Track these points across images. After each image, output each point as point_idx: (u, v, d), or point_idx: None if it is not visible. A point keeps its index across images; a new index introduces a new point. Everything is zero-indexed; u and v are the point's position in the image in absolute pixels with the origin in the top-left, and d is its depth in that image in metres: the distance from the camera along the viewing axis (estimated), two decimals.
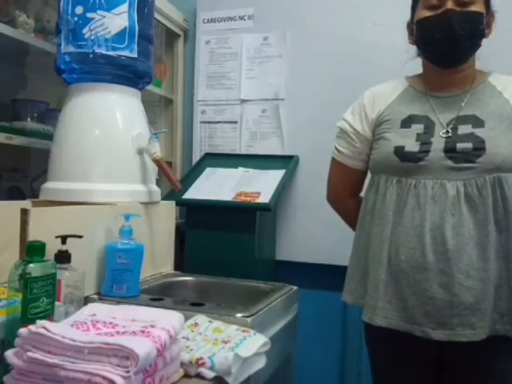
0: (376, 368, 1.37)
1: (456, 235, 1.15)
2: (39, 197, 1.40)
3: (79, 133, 1.38)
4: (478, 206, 1.16)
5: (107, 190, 1.35)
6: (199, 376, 0.90)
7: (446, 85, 1.27)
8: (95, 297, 1.22)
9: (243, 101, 2.23)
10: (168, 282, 1.47)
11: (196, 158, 2.29)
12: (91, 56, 1.35)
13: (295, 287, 1.43)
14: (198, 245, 1.90)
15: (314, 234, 2.07)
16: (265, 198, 1.86)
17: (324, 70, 2.09)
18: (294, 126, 2.14)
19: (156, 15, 1.80)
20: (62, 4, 1.39)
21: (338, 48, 2.06)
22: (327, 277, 1.98)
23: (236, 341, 0.97)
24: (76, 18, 1.35)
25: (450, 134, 1.21)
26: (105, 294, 1.23)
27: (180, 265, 1.70)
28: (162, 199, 1.57)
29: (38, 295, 0.86)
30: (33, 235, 1.03)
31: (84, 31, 1.35)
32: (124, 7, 1.37)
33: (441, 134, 1.22)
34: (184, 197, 1.93)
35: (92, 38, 1.34)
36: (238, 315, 1.10)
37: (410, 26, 1.32)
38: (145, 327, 0.82)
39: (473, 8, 1.20)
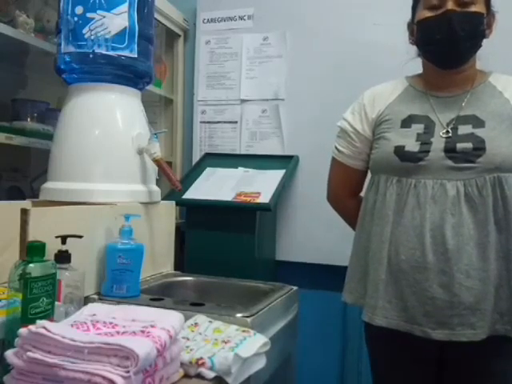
0: (376, 368, 1.37)
1: (456, 235, 1.15)
2: (39, 197, 1.40)
3: (79, 133, 1.38)
4: (478, 205, 1.16)
5: (107, 189, 1.35)
6: (199, 376, 0.90)
7: (447, 85, 1.27)
8: (95, 297, 1.22)
9: (243, 101, 2.23)
10: (168, 281, 1.47)
11: (196, 158, 2.29)
12: (91, 56, 1.35)
13: (295, 287, 1.43)
14: (198, 245, 1.90)
15: (314, 234, 2.07)
16: (265, 198, 1.86)
17: (324, 70, 2.09)
18: (293, 125, 2.14)
19: (156, 15, 1.80)
20: (61, 4, 1.39)
21: (338, 48, 2.06)
22: (327, 277, 1.98)
23: (236, 341, 0.97)
24: (76, 18, 1.35)
25: (450, 134, 1.21)
26: (105, 294, 1.23)
27: (180, 265, 1.70)
28: (162, 199, 1.57)
29: (38, 295, 0.86)
30: (33, 235, 1.03)
31: (84, 31, 1.35)
32: (124, 7, 1.37)
33: (441, 133, 1.22)
34: (184, 197, 1.93)
35: (92, 38, 1.34)
36: (238, 315, 1.10)
37: (410, 26, 1.32)
38: (145, 327, 0.82)
39: (473, 8, 1.20)
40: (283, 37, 2.16)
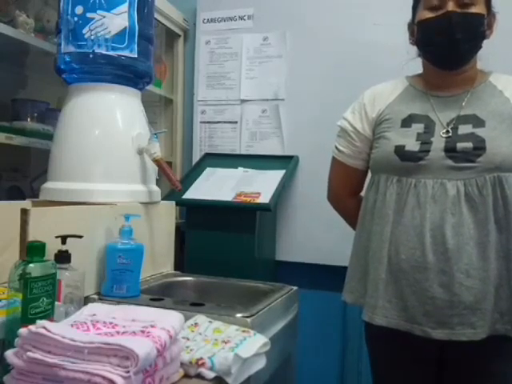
0: (376, 368, 1.37)
1: (456, 235, 1.15)
2: (39, 197, 1.40)
3: (79, 133, 1.38)
4: (478, 205, 1.16)
5: (107, 189, 1.35)
6: (199, 376, 0.90)
7: (447, 85, 1.27)
8: (95, 297, 1.22)
9: (243, 101, 2.23)
10: (168, 282, 1.47)
11: (196, 158, 2.29)
12: (91, 56, 1.35)
13: (295, 287, 1.43)
14: (198, 245, 1.90)
15: (314, 234, 2.07)
16: (265, 198, 1.86)
17: (324, 70, 2.09)
18: (293, 126, 2.14)
19: (156, 15, 1.80)
20: (62, 4, 1.39)
21: (338, 48, 2.06)
22: (327, 277, 1.98)
23: (236, 341, 0.97)
24: (76, 18, 1.35)
25: (450, 134, 1.21)
26: (105, 294, 1.23)
27: (180, 265, 1.70)
28: (162, 199, 1.57)
29: (38, 295, 0.86)
30: (33, 235, 1.03)
31: (84, 31, 1.34)
32: (124, 7, 1.37)
33: (441, 133, 1.22)
34: (184, 197, 1.93)
35: (92, 37, 1.34)
36: (238, 315, 1.10)
37: (410, 26, 1.32)
38: (145, 327, 0.82)
39: (474, 9, 1.20)
40: (283, 37, 2.16)
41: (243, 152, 2.22)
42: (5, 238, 1.12)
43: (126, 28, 1.37)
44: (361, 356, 1.99)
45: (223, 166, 2.12)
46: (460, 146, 1.18)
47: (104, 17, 1.35)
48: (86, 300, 1.13)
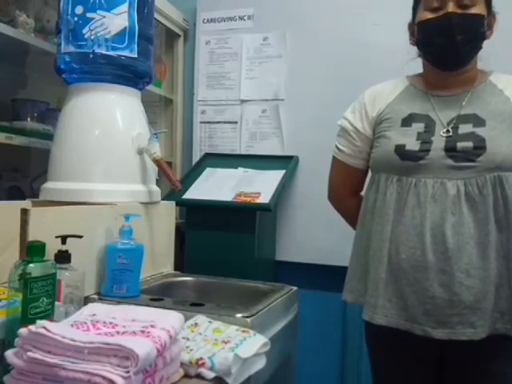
0: (376, 368, 1.37)
1: (456, 234, 1.15)
2: (39, 197, 1.40)
3: (79, 133, 1.38)
4: (478, 205, 1.16)
5: (107, 189, 1.35)
6: (199, 376, 0.90)
7: (447, 85, 1.27)
8: (95, 297, 1.22)
9: (243, 101, 2.23)
10: (168, 282, 1.47)
11: (196, 158, 2.29)
12: (91, 56, 1.35)
13: (295, 287, 1.43)
14: (198, 245, 1.90)
15: (314, 234, 2.07)
16: (265, 199, 1.86)
17: (324, 71, 2.09)
18: (293, 126, 2.14)
19: (156, 15, 1.80)
20: (61, 4, 1.39)
21: (337, 48, 2.06)
22: (327, 277, 1.98)
23: (236, 341, 0.97)
24: (76, 18, 1.35)
25: (450, 133, 1.21)
26: (105, 294, 1.23)
27: (180, 265, 1.70)
28: (162, 199, 1.57)
29: (38, 295, 0.86)
30: (33, 235, 1.03)
31: (84, 31, 1.34)
32: (124, 7, 1.37)
33: (441, 133, 1.22)
34: (184, 197, 1.93)
35: (92, 37, 1.34)
36: (238, 315, 1.10)
37: (411, 26, 1.32)
38: (145, 327, 0.82)
39: (474, 10, 1.20)
40: (283, 37, 2.16)
41: (243, 152, 2.22)
42: (5, 237, 1.12)
43: (125, 28, 1.37)
44: (361, 356, 1.99)
45: (223, 166, 2.12)
46: (460, 145, 1.18)
47: (104, 17, 1.35)
48: (86, 300, 1.13)
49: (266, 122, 2.19)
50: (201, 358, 0.90)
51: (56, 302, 0.93)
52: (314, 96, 2.10)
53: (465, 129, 1.20)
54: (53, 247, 1.00)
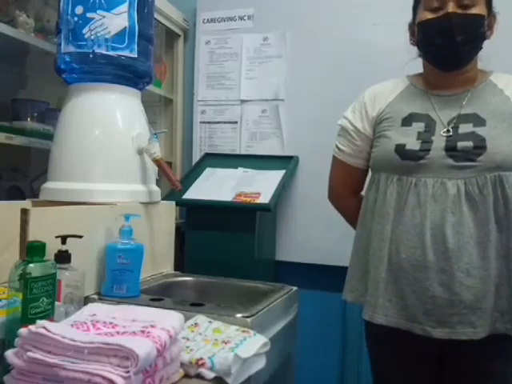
0: (376, 367, 1.37)
1: (456, 234, 1.15)
2: (39, 197, 1.40)
3: (79, 133, 1.38)
4: (478, 204, 1.16)
5: (107, 189, 1.35)
6: (199, 376, 0.90)
7: (447, 85, 1.27)
8: (95, 297, 1.22)
9: (243, 101, 2.23)
10: (168, 282, 1.47)
11: (196, 158, 2.29)
12: (91, 56, 1.35)
13: (295, 288, 1.43)
14: (198, 245, 1.90)
15: (314, 234, 2.07)
16: (265, 199, 1.86)
17: (324, 71, 2.09)
18: (293, 126, 2.14)
19: (156, 15, 1.80)
20: (61, 4, 1.39)
21: (337, 48, 2.06)
22: (327, 277, 1.98)
23: (236, 341, 0.97)
24: (76, 18, 1.35)
25: (450, 133, 1.21)
26: (105, 294, 1.23)
27: (180, 265, 1.70)
28: (162, 199, 1.57)
29: (38, 295, 0.86)
30: (33, 235, 1.03)
31: (84, 31, 1.34)
32: (124, 7, 1.37)
33: (442, 132, 1.22)
34: (184, 197, 1.93)
35: (92, 37, 1.34)
36: (238, 315, 1.10)
37: (411, 26, 1.32)
38: (145, 327, 0.82)
39: (474, 10, 1.20)
40: (283, 37, 2.16)
41: (243, 152, 2.22)
42: (5, 237, 1.12)
43: (125, 28, 1.37)
44: (361, 356, 1.99)
45: (223, 166, 2.12)
46: (460, 145, 1.18)
47: (104, 17, 1.35)
48: (86, 300, 1.13)
49: (266, 122, 2.19)
50: (201, 358, 0.90)
51: (56, 302, 0.93)
52: (313, 96, 2.10)
53: (465, 128, 1.20)
54: (53, 247, 1.00)
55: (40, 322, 0.77)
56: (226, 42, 2.26)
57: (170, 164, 2.27)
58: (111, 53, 1.36)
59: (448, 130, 1.22)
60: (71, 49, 1.36)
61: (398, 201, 1.22)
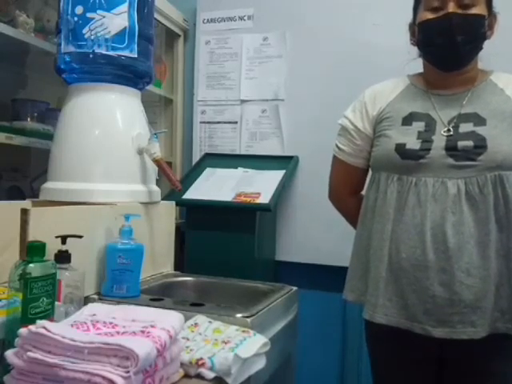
0: (376, 367, 1.36)
1: (457, 233, 1.15)
2: (39, 197, 1.40)
3: (79, 133, 1.38)
4: (478, 204, 1.16)
5: (107, 189, 1.35)
6: (199, 376, 0.90)
7: (448, 85, 1.27)
8: (95, 297, 1.22)
9: (243, 101, 2.23)
10: (168, 282, 1.47)
11: (196, 158, 2.29)
12: (91, 56, 1.35)
13: (295, 288, 1.43)
14: (198, 245, 1.90)
15: (314, 234, 2.07)
16: (265, 199, 1.86)
17: (324, 71, 2.09)
18: (293, 126, 2.14)
19: (156, 15, 1.80)
20: (61, 4, 1.39)
21: (337, 48, 2.06)
22: (327, 277, 1.98)
23: (236, 341, 0.97)
24: (76, 18, 1.35)
25: (451, 132, 1.21)
26: (105, 294, 1.23)
27: (180, 265, 1.70)
28: (162, 199, 1.57)
29: (38, 295, 0.86)
30: (33, 235, 1.03)
31: (84, 31, 1.34)
32: (124, 7, 1.37)
33: (442, 132, 1.22)
34: (184, 197, 1.93)
35: (92, 37, 1.34)
36: (238, 315, 1.10)
37: (411, 27, 1.32)
38: (145, 327, 0.82)
39: (474, 10, 1.19)
40: (283, 37, 2.16)
41: (243, 152, 2.22)
42: (5, 237, 1.12)
43: (125, 28, 1.37)
44: (361, 356, 1.99)
45: (223, 166, 2.12)
46: (461, 144, 1.18)
47: (104, 17, 1.35)
48: (86, 300, 1.13)
49: (266, 122, 2.19)
50: (201, 358, 0.90)
51: (56, 302, 0.93)
52: (313, 96, 2.10)
53: (465, 128, 1.20)
54: (53, 247, 1.00)
55: (40, 322, 0.77)
56: (226, 42, 2.26)
57: (170, 164, 2.27)
58: (111, 53, 1.36)
59: (448, 130, 1.22)
60: (71, 49, 1.36)
61: (399, 200, 1.22)
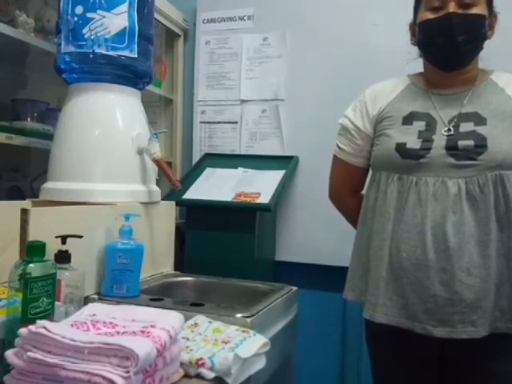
0: (376, 367, 1.36)
1: (457, 233, 1.15)
2: (39, 197, 1.40)
3: (79, 133, 1.38)
4: (479, 203, 1.16)
5: (107, 189, 1.35)
6: (199, 376, 0.90)
7: (448, 84, 1.27)
8: (95, 297, 1.22)
9: (243, 101, 2.23)
10: (168, 282, 1.47)
11: (196, 158, 2.29)
12: (91, 56, 1.35)
13: (295, 288, 1.43)
14: (198, 245, 1.90)
15: (314, 234, 2.07)
16: (265, 199, 1.86)
17: (324, 71, 2.09)
18: (293, 126, 2.14)
19: (156, 15, 1.80)
20: (61, 4, 1.39)
21: (337, 48, 2.06)
22: (327, 277, 1.99)
23: (236, 341, 0.97)
24: (76, 18, 1.35)
25: (451, 132, 1.21)
26: (105, 294, 1.23)
27: (180, 265, 1.70)
28: (162, 199, 1.57)
29: (38, 295, 0.85)
30: (33, 235, 1.03)
31: (84, 31, 1.34)
32: (124, 7, 1.37)
33: (442, 131, 1.22)
34: (184, 197, 1.93)
35: (92, 37, 1.34)
36: (238, 315, 1.10)
37: (412, 26, 1.32)
38: (145, 327, 0.82)
39: (475, 10, 1.19)
40: (283, 37, 2.16)
41: (243, 152, 2.22)
42: (5, 237, 1.12)
43: (125, 28, 1.37)
44: (361, 356, 1.99)
45: (223, 166, 2.12)
46: (461, 143, 1.18)
47: (104, 17, 1.35)
48: (86, 300, 1.13)
49: (266, 122, 2.19)
50: (201, 358, 0.90)
51: (56, 302, 0.93)
52: (313, 96, 2.10)
53: (466, 127, 1.20)
54: (53, 247, 1.00)
55: (40, 322, 0.77)
56: (226, 42, 2.26)
57: (169, 164, 2.27)
58: (111, 53, 1.36)
59: (449, 129, 1.22)
60: (71, 49, 1.36)
61: (399, 200, 1.22)
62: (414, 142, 1.22)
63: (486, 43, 1.24)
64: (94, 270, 1.24)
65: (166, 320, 0.86)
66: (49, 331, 0.75)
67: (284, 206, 2.12)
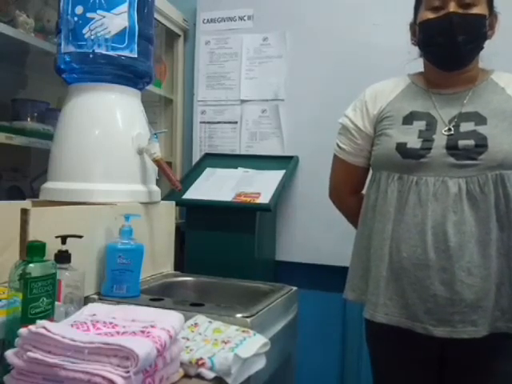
0: (376, 367, 1.36)
1: (458, 233, 1.15)
2: (39, 197, 1.40)
3: (79, 133, 1.38)
4: (479, 203, 1.16)
5: (107, 189, 1.35)
6: (199, 376, 0.90)
7: (449, 84, 1.27)
8: (95, 297, 1.22)
9: (243, 101, 2.23)
10: (168, 282, 1.47)
11: (196, 158, 2.29)
12: (91, 56, 1.35)
13: (295, 288, 1.43)
14: (198, 245, 1.90)
15: (314, 234, 2.07)
16: (265, 199, 1.86)
17: (324, 71, 2.09)
18: (293, 126, 2.14)
19: (156, 15, 1.80)
20: (61, 4, 1.39)
21: (337, 48, 2.06)
22: (327, 277, 1.99)
23: (236, 341, 0.97)
24: (76, 18, 1.35)
25: (452, 132, 1.21)
26: (105, 294, 1.23)
27: (180, 265, 1.70)
28: (162, 199, 1.57)
29: (38, 295, 0.85)
30: (33, 235, 1.03)
31: (84, 31, 1.34)
32: (124, 7, 1.37)
33: (443, 131, 1.22)
34: (184, 197, 1.93)
35: (92, 37, 1.34)
36: (238, 315, 1.10)
37: (412, 26, 1.32)
38: (145, 327, 0.82)
39: (475, 10, 1.19)
40: (283, 37, 2.16)
41: (243, 152, 2.22)
42: (5, 237, 1.12)
43: (125, 28, 1.37)
44: (361, 356, 1.99)
45: (223, 166, 2.12)
46: (462, 143, 1.18)
47: (104, 17, 1.35)
48: (86, 300, 1.13)
49: (266, 122, 2.19)
50: (201, 358, 0.90)
51: (56, 302, 0.93)
52: (313, 96, 2.10)
53: (466, 127, 1.20)
54: (53, 247, 1.00)
55: (40, 322, 0.77)
56: (226, 42, 2.26)
57: (169, 164, 2.27)
58: (111, 53, 1.36)
59: (449, 129, 1.21)
60: (71, 49, 1.36)
61: (399, 199, 1.22)
62: (414, 142, 1.22)
63: (487, 43, 1.24)
64: (93, 270, 1.24)
65: (166, 320, 0.86)
66: (49, 331, 0.75)
67: (284, 206, 2.12)
